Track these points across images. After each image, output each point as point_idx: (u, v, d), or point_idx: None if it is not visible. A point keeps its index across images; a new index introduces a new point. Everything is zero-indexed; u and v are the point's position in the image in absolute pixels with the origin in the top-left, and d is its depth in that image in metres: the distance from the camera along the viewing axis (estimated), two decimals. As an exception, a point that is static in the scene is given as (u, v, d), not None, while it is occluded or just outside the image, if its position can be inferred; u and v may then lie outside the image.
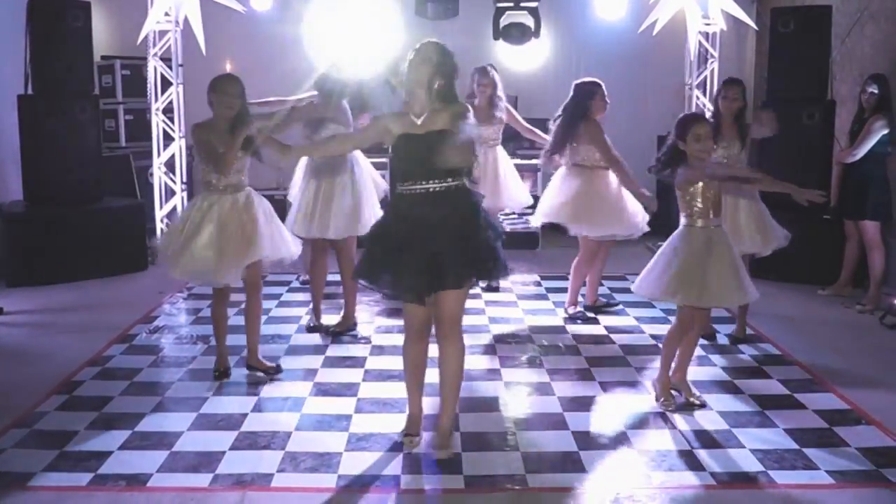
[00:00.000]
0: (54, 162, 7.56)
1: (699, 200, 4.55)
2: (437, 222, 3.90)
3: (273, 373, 5.16)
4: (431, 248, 3.87)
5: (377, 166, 8.73)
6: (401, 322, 6.22)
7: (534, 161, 9.02)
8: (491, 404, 4.79)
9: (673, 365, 4.81)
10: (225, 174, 4.87)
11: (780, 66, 7.83)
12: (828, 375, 5.23)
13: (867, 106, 6.68)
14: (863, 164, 6.63)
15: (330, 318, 6.24)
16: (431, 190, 3.92)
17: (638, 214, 6.30)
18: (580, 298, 6.67)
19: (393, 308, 6.64)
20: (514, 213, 8.96)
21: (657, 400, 4.76)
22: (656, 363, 5.47)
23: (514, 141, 9.05)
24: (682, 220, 4.63)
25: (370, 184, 6.04)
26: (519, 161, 9.05)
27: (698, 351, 5.40)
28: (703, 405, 4.69)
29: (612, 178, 6.23)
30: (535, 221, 6.68)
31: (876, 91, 6.58)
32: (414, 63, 3.95)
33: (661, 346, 5.79)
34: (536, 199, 8.98)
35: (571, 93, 6.26)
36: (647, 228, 6.41)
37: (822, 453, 4.15)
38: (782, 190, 4.64)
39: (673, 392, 4.75)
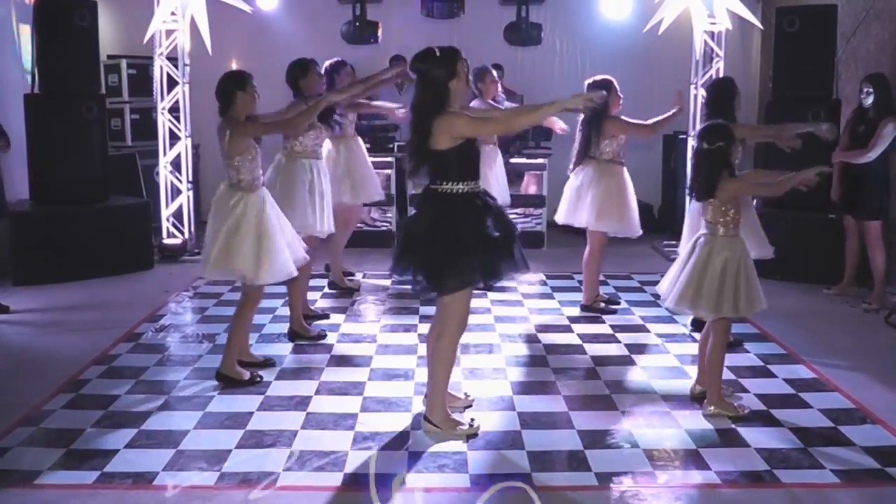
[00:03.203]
0: (60, 161, 7.58)
1: (733, 210, 4.50)
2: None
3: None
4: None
5: (380, 165, 8.80)
6: (406, 321, 6.27)
7: (539, 160, 9.03)
8: (496, 403, 4.79)
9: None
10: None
11: (786, 66, 7.82)
12: (833, 374, 5.22)
13: (868, 107, 6.66)
14: (872, 165, 6.61)
15: (338, 318, 6.26)
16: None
17: (637, 216, 6.50)
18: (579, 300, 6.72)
19: (397, 307, 6.66)
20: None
21: (733, 419, 4.53)
22: (661, 362, 5.49)
23: (520, 140, 9.07)
24: (721, 231, 4.48)
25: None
26: (524, 160, 9.08)
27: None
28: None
29: (625, 173, 6.43)
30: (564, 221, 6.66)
31: (871, 91, 6.59)
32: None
33: (666, 344, 5.82)
34: (542, 198, 9.04)
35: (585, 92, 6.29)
36: (639, 232, 6.53)
37: (827, 452, 4.15)
38: (791, 183, 4.53)
39: (729, 395, 4.71)
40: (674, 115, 6.31)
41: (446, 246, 4.08)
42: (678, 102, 6.30)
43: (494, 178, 7.22)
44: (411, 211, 8.46)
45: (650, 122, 6.34)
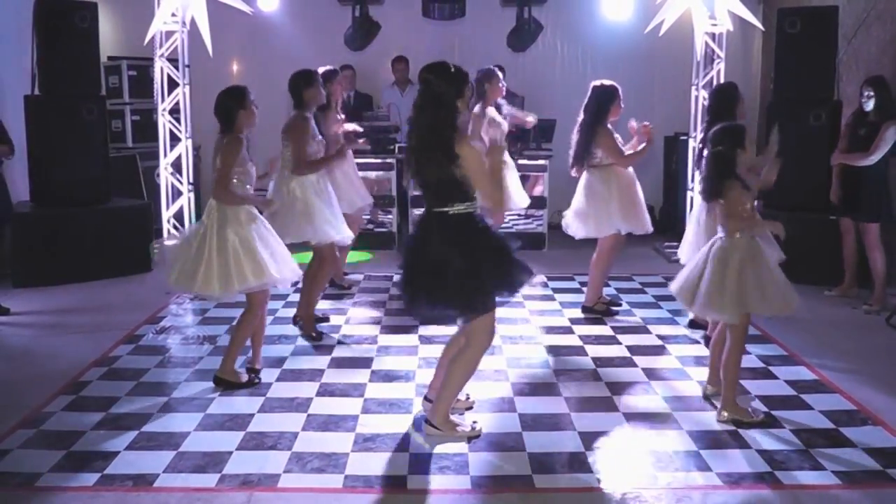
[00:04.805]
0: (61, 162, 7.58)
1: (748, 208, 4.51)
2: None
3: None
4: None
5: (381, 167, 8.80)
6: (407, 323, 6.26)
7: (540, 162, 9.02)
8: (497, 404, 4.79)
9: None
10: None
11: (787, 67, 7.81)
12: (834, 376, 5.22)
13: (869, 110, 6.66)
14: (873, 168, 6.61)
15: (338, 320, 6.25)
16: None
17: (647, 213, 6.47)
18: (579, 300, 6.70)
19: (398, 309, 6.65)
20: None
21: (742, 426, 4.46)
22: (662, 363, 5.49)
23: (520, 141, 9.07)
24: (736, 233, 4.48)
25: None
26: (525, 161, 9.07)
27: (704, 351, 5.41)
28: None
29: (630, 171, 6.37)
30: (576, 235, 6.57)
31: (872, 94, 6.58)
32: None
33: (667, 346, 5.81)
34: (543, 200, 9.04)
35: (590, 94, 6.26)
36: (651, 228, 6.49)
37: (828, 454, 4.15)
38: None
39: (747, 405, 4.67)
40: (643, 150, 6.23)
41: (471, 271, 4.07)
42: (644, 135, 6.20)
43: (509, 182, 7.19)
44: (412, 212, 8.53)
45: (626, 154, 6.25)
